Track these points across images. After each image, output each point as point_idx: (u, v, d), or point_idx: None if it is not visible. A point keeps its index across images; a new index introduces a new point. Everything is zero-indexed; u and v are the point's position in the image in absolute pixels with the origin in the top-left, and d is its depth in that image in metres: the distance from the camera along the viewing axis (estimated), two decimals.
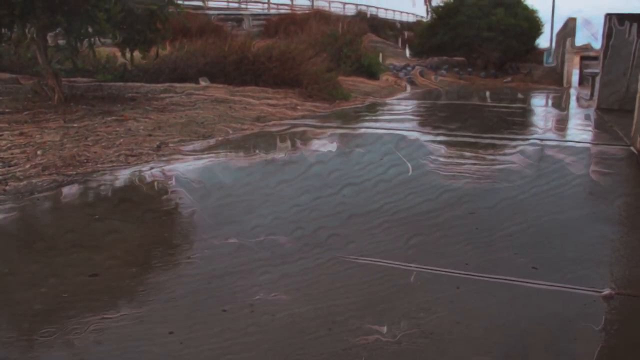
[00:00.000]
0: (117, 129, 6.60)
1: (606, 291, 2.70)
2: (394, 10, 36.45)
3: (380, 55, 17.99)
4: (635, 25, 9.93)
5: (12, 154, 5.29)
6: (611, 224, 3.83)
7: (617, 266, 3.10)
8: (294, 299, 2.64)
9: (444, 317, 2.49)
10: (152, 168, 5.13)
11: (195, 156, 5.63)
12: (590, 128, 8.53)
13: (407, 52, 20.18)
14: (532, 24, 20.64)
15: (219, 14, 21.31)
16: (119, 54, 9.31)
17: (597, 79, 10.99)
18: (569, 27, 19.62)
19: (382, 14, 33.84)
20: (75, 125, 6.59)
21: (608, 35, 10.18)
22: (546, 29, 22.80)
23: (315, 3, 30.48)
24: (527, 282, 2.83)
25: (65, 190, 4.40)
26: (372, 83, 15.19)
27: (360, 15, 29.03)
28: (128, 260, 3.12)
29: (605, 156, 6.04)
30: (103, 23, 7.20)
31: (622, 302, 2.66)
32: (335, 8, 31.17)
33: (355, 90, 12.97)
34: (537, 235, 3.56)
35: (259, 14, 24.83)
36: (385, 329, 2.37)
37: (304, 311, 2.53)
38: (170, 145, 6.13)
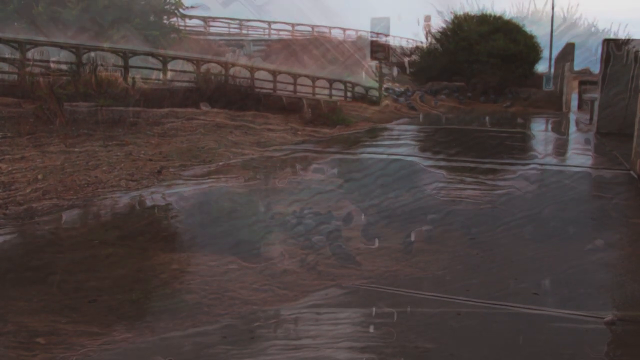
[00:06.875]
0: (118, 153, 6.63)
1: (608, 317, 2.68)
2: (394, 36, 36.77)
3: (380, 80, 18.10)
4: (632, 50, 10.00)
5: (13, 177, 5.30)
6: (612, 249, 3.82)
7: (619, 292, 3.08)
8: (295, 323, 2.62)
9: (445, 343, 2.47)
10: (152, 193, 5.13)
11: (196, 181, 5.63)
12: (590, 152, 8.54)
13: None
14: (531, 49, 20.84)
15: (220, 39, 21.53)
16: (121, 78, 9.40)
17: (596, 104, 11.03)
18: (567, 52, 19.78)
19: (382, 39, 34.14)
20: (76, 149, 6.62)
21: (606, 60, 10.25)
22: (545, 54, 22.92)
23: (316, 28, 30.77)
24: (528, 308, 2.81)
25: (65, 214, 4.40)
26: (373, 108, 15.26)
27: (361, 41, 29.26)
28: (127, 286, 3.11)
29: (606, 180, 6.04)
30: (106, 48, 7.29)
31: (624, 327, 2.64)
32: (336, 33, 31.46)
33: (355, 116, 13.03)
34: (537, 260, 3.55)
35: (260, 39, 25.04)
36: (386, 353, 2.35)
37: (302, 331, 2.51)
38: (171, 169, 6.14)
